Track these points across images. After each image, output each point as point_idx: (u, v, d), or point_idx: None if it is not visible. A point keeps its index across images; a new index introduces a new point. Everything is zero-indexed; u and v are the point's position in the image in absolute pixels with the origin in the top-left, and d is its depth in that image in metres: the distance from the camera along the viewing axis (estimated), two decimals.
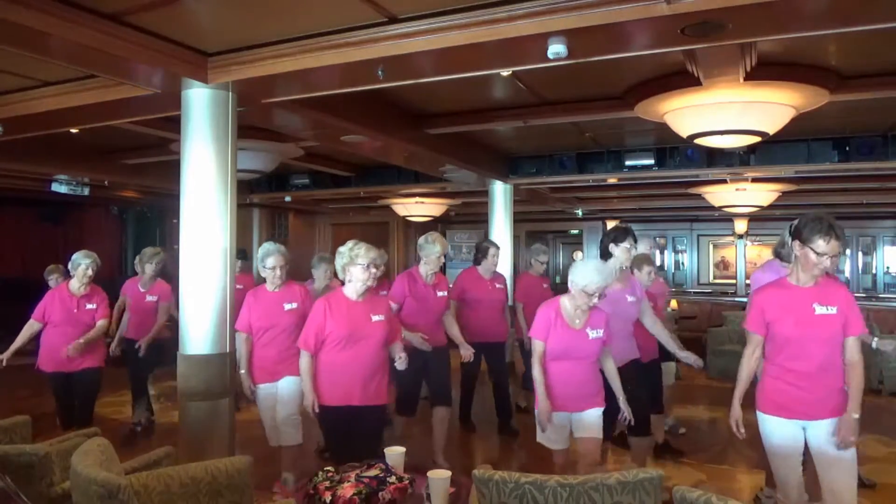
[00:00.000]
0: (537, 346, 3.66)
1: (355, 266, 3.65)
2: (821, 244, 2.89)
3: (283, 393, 4.39)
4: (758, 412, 3.13)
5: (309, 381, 3.68)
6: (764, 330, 3.10)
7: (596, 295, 3.54)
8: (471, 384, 6.05)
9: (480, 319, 5.76)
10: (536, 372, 3.63)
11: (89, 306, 5.12)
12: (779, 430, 3.07)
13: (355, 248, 3.68)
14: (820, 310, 2.96)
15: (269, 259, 4.40)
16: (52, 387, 5.20)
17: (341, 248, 3.74)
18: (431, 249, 4.85)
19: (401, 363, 3.82)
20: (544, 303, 3.77)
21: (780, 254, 3.76)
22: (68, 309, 5.06)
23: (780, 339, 3.05)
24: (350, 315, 3.67)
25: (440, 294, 5.00)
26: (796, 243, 2.98)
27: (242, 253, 7.06)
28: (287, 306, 4.38)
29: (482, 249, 5.91)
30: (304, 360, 3.71)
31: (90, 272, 5.11)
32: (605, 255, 4.29)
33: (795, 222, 3.04)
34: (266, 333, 4.38)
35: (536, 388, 3.63)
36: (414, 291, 4.90)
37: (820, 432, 3.00)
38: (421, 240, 4.96)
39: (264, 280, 4.51)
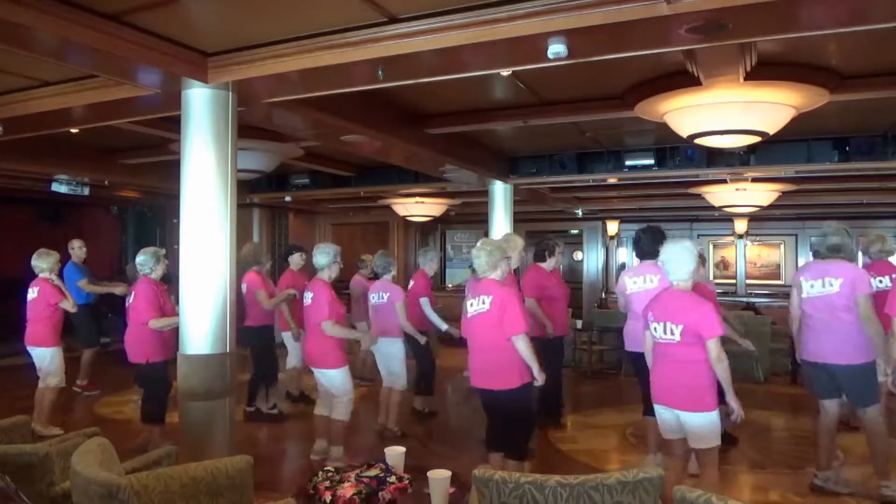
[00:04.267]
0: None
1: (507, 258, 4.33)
2: None
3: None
4: None
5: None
6: None
7: None
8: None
9: (556, 313, 5.95)
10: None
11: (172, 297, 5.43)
12: None
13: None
14: None
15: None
16: (158, 378, 5.25)
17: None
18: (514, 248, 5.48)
19: None
20: (708, 301, 3.62)
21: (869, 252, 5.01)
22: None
23: None
24: None
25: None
26: None
27: (299, 248, 7.25)
28: None
29: (549, 247, 6.11)
30: (527, 342, 4.04)
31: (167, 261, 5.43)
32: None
33: None
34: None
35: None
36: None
37: None
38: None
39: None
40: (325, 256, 5.06)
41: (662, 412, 3.67)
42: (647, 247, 4.75)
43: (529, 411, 4.29)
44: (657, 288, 4.43)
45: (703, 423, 3.47)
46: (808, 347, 4.39)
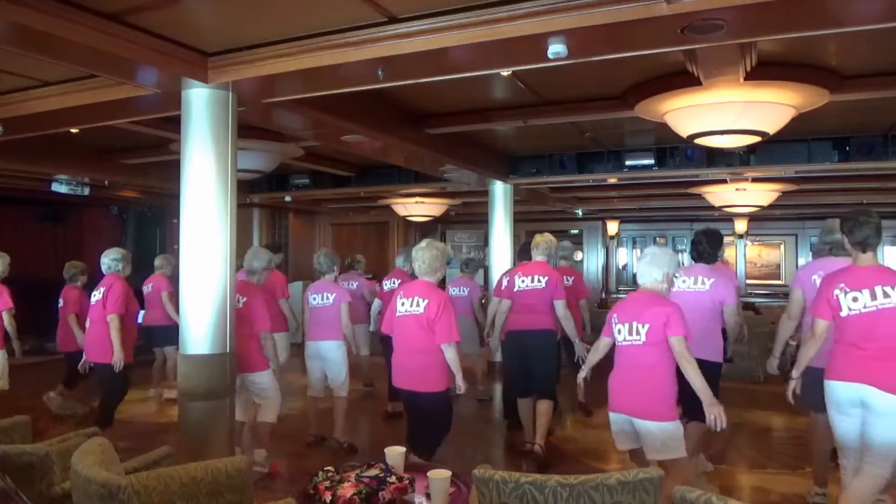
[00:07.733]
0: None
1: None
2: None
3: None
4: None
5: None
6: None
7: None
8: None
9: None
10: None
11: None
12: None
13: None
14: None
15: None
16: (126, 379, 5.42)
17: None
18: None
19: None
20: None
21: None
22: None
23: None
24: None
25: None
26: None
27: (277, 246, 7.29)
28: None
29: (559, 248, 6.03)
30: (456, 352, 4.11)
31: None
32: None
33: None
34: None
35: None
36: None
37: None
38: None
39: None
40: (261, 262, 5.03)
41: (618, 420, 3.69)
42: (709, 249, 4.54)
43: (449, 414, 4.29)
44: (708, 291, 4.32)
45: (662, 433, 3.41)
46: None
